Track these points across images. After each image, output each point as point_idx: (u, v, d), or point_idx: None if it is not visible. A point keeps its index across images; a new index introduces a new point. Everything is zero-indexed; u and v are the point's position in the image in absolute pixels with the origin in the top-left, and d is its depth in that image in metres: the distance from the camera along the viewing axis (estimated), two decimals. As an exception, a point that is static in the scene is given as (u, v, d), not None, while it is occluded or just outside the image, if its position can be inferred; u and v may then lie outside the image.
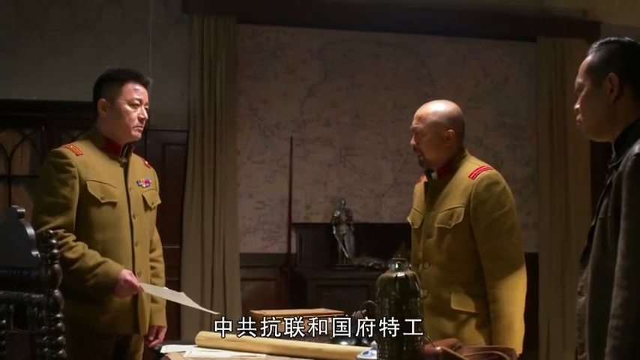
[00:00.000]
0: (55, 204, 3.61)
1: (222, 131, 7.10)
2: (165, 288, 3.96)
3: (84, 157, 3.72)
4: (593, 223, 2.54)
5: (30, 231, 2.10)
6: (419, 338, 2.63)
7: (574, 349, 2.66)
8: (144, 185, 3.92)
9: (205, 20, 7.13)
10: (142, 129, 3.86)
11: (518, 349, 3.47)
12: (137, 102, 3.83)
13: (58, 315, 2.02)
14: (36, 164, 6.63)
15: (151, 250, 4.04)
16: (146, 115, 3.87)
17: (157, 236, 4.12)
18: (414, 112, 3.83)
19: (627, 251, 2.31)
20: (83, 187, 3.67)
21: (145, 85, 3.89)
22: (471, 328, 3.57)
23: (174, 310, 6.74)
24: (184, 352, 3.57)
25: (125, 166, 3.85)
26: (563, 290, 7.66)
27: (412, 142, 3.77)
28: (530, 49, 8.04)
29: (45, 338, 2.02)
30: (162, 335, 3.98)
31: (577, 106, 2.68)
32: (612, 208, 2.41)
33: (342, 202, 7.45)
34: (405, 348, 2.60)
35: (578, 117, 2.68)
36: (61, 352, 2.01)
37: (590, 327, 2.47)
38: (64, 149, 3.75)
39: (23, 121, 6.75)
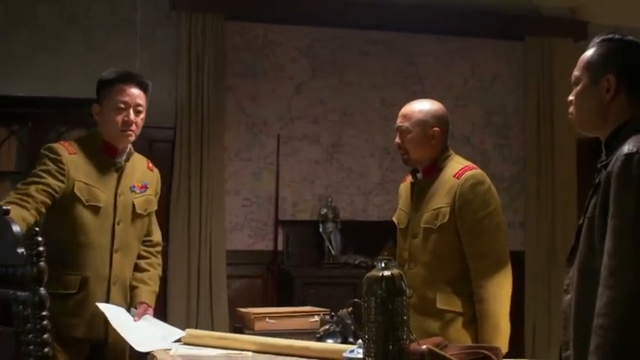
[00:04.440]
0: (32, 179, 3.54)
1: (209, 128, 7.09)
2: (124, 312, 3.73)
3: (76, 157, 3.66)
4: (580, 222, 2.54)
5: (15, 228, 2.09)
6: (405, 337, 2.63)
7: (559, 346, 2.65)
8: (138, 191, 3.83)
9: (193, 17, 7.13)
10: (130, 133, 3.72)
11: (504, 347, 3.48)
12: (122, 105, 3.69)
13: (44, 313, 2.01)
14: (22, 160, 6.61)
15: (150, 246, 4.02)
16: (133, 118, 3.70)
17: (157, 238, 4.08)
18: (402, 111, 3.84)
19: (614, 250, 2.32)
20: (71, 186, 3.60)
21: (135, 86, 3.74)
22: (456, 327, 3.57)
23: (160, 308, 6.75)
24: (170, 349, 3.56)
25: (120, 171, 3.77)
26: (549, 288, 7.68)
27: (397, 140, 3.76)
28: (519, 47, 8.07)
29: (30, 336, 2.02)
30: (140, 310, 3.79)
31: (571, 98, 2.65)
32: (600, 207, 2.41)
33: (329, 199, 7.46)
34: (390, 347, 2.60)
35: (571, 109, 2.66)
36: (46, 349, 2.00)
37: (575, 325, 2.47)
38: (57, 145, 3.69)
39: (10, 117, 6.72)
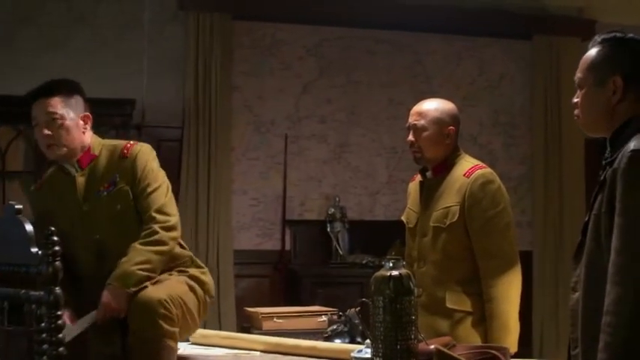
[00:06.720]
0: None
1: (216, 128, 7.10)
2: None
3: (41, 191, 3.59)
4: (586, 219, 2.53)
5: (28, 227, 2.09)
6: (413, 336, 2.64)
7: (567, 344, 2.65)
8: (105, 193, 3.49)
9: (201, 16, 7.14)
10: (52, 147, 3.47)
11: (513, 347, 3.48)
12: (34, 124, 3.51)
13: (59, 312, 2.02)
14: (30, 160, 6.62)
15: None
16: (46, 132, 3.45)
17: (148, 215, 3.57)
18: (410, 110, 3.81)
19: (621, 248, 2.31)
20: None
21: (41, 98, 3.55)
22: (466, 326, 3.57)
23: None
24: (179, 349, 3.57)
25: (74, 183, 3.51)
26: (556, 288, 7.67)
27: (410, 137, 3.72)
28: (526, 47, 8.06)
29: (44, 335, 2.02)
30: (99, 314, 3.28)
31: (575, 100, 2.61)
32: (606, 204, 2.40)
33: (337, 199, 7.45)
34: (398, 346, 2.61)
35: (577, 112, 2.62)
36: (61, 349, 2.00)
37: (583, 323, 2.47)
38: (29, 194, 3.62)
39: (17, 117, 6.69)
